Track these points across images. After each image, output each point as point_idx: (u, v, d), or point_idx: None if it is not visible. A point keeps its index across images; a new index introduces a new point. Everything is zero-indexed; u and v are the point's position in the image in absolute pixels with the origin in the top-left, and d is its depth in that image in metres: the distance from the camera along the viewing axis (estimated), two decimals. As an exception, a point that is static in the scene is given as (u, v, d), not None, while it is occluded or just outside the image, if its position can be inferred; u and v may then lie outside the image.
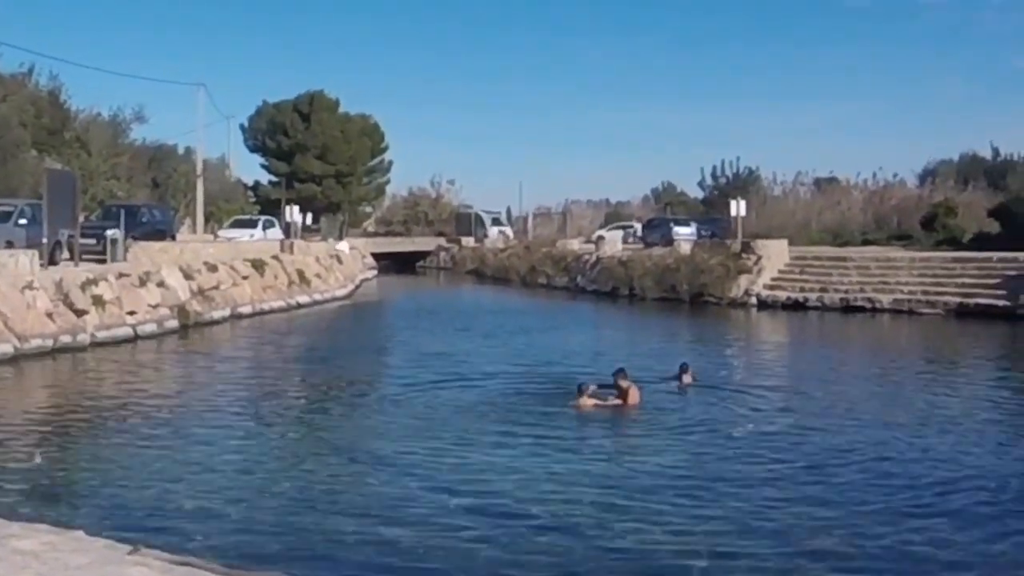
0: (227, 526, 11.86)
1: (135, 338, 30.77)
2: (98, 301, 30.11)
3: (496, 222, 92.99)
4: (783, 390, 22.50)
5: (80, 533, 9.74)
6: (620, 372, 19.94)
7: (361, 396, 21.76)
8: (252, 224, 64.53)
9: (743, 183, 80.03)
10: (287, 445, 16.67)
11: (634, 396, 19.35)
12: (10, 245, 32.35)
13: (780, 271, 47.47)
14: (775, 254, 48.05)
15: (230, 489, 13.52)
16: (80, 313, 29.07)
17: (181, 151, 79.22)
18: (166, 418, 18.60)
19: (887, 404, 20.35)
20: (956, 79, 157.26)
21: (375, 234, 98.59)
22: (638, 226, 75.96)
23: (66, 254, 34.28)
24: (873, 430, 17.53)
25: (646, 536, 11.56)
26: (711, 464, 15.11)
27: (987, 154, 78.25)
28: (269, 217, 68.05)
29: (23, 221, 34.33)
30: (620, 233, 71.05)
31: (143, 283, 33.16)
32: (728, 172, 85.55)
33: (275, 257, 47.86)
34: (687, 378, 22.60)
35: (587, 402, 19.27)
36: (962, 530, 11.90)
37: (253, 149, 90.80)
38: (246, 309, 39.92)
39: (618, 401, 19.29)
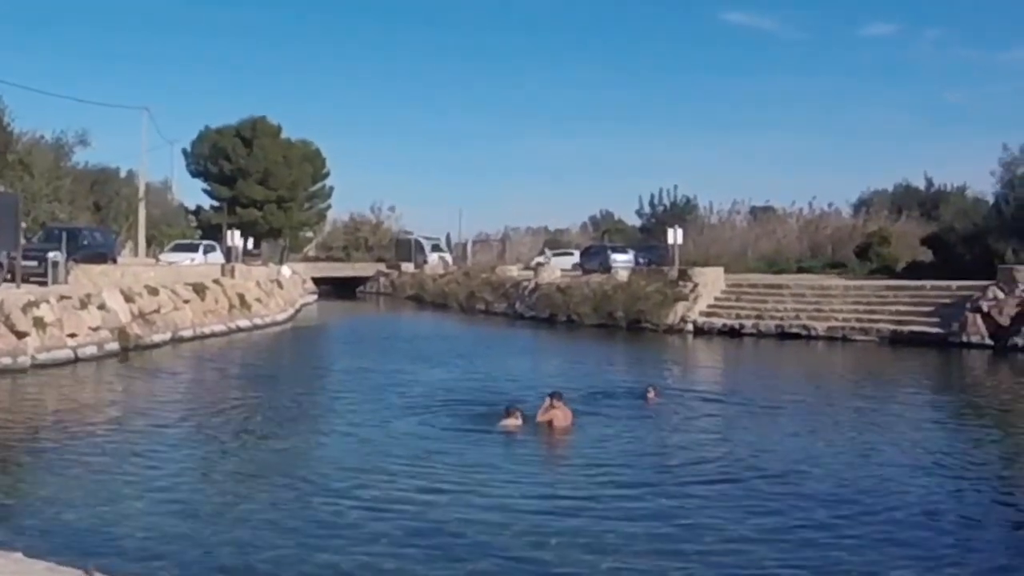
0: (165, 547, 11.93)
1: (75, 360, 30.75)
2: (39, 323, 30.12)
3: (436, 248, 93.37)
4: (719, 413, 22.94)
5: (19, 555, 9.70)
6: (555, 395, 20.40)
7: (300, 419, 21.90)
8: (193, 248, 64.68)
9: (680, 211, 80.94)
10: (227, 467, 16.78)
11: (561, 419, 19.75)
12: (-49, 267, 32.36)
13: (716, 298, 48.00)
14: (711, 281, 48.65)
15: (170, 511, 13.60)
16: (21, 335, 29.10)
17: (124, 175, 79.16)
18: (106, 440, 18.65)
19: (818, 426, 20.83)
20: (892, 111, 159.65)
21: (316, 259, 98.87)
22: (548, 253, 77.40)
23: (7, 276, 34.24)
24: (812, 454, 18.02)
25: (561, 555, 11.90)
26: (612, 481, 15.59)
27: (921, 185, 79.44)
28: (210, 241, 68.25)
29: (-35, 243, 34.28)
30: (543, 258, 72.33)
31: (84, 306, 33.16)
32: (666, 200, 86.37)
33: (216, 281, 47.99)
34: (652, 395, 23.63)
35: (514, 423, 19.72)
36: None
37: (195, 174, 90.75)
38: (187, 333, 39.99)
39: (547, 417, 19.73)
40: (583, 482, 15.61)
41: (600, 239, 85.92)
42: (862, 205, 79.03)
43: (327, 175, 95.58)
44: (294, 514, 13.57)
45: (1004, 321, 37.41)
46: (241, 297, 49.05)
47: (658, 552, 11.96)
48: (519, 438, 19.14)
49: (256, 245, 79.45)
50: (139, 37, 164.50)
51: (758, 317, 44.54)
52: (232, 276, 51.35)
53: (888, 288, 45.43)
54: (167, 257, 60.82)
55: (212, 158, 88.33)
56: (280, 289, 60.48)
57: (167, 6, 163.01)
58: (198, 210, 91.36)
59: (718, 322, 45.45)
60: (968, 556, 12.11)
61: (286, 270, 69.23)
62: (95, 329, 33.09)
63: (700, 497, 14.61)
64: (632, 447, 18.49)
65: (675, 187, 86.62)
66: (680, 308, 47.16)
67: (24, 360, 28.69)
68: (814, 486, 15.38)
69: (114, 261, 48.31)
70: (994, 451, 18.82)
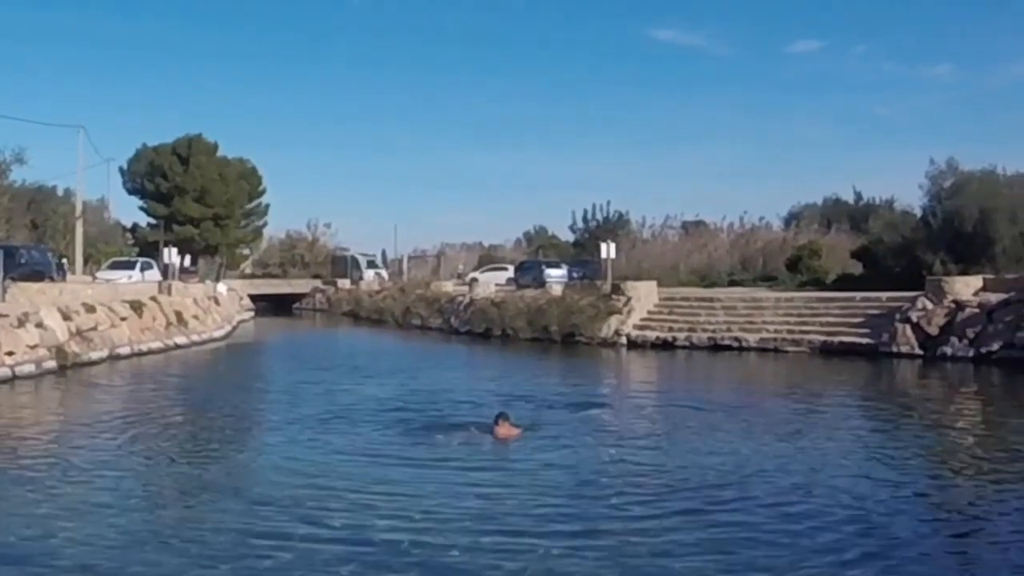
0: (106, 568, 11.85)
1: (13, 379, 30.78)
2: (-24, 342, 30.24)
3: (371, 264, 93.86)
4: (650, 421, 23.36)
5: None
6: (501, 415, 20.80)
7: (239, 435, 22.13)
8: (130, 266, 64.81)
9: (613, 226, 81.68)
10: (167, 485, 16.71)
11: (507, 433, 20.20)
12: None
13: (649, 312, 48.50)
14: (644, 295, 49.16)
15: (110, 530, 13.42)
16: (-41, 354, 29.18)
17: (60, 193, 79.16)
18: (44, 459, 18.46)
19: (751, 433, 21.12)
20: (821, 126, 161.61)
21: (252, 276, 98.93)
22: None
23: (-56, 296, 34.20)
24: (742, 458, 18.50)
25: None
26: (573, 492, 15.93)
27: (850, 198, 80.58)
28: (147, 259, 68.33)
29: (-100, 263, 34.21)
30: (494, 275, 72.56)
31: (21, 324, 33.24)
32: (599, 216, 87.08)
33: (153, 298, 48.03)
34: (596, 411, 24.40)
35: (506, 430, 20.19)
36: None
37: (132, 191, 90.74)
38: (124, 350, 40.04)
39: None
40: (528, 494, 15.59)
41: (534, 254, 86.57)
42: (792, 218, 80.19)
43: (263, 192, 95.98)
44: (235, 532, 13.35)
45: (933, 331, 38.09)
46: (178, 314, 49.16)
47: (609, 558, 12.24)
48: (477, 448, 19.36)
49: (193, 262, 79.47)
50: (74, 55, 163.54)
51: (691, 330, 44.98)
52: (169, 293, 51.36)
53: (819, 300, 45.98)
54: (104, 275, 60.80)
55: (149, 176, 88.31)
56: (217, 306, 60.58)
57: (101, 23, 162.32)
58: (135, 228, 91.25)
59: (651, 335, 45.87)
60: (893, 553, 12.43)
61: (223, 287, 69.28)
62: (33, 347, 33.15)
63: (642, 509, 14.78)
64: (576, 459, 18.48)
65: (608, 202, 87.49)
66: (614, 322, 47.63)
67: (-38, 378, 28.71)
68: (746, 491, 15.62)
69: (52, 279, 48.04)
70: (922, 455, 19.16)
